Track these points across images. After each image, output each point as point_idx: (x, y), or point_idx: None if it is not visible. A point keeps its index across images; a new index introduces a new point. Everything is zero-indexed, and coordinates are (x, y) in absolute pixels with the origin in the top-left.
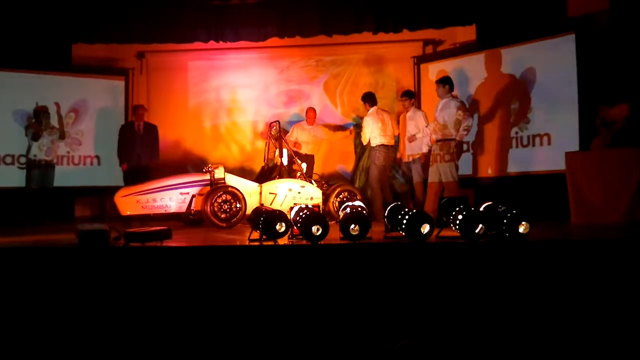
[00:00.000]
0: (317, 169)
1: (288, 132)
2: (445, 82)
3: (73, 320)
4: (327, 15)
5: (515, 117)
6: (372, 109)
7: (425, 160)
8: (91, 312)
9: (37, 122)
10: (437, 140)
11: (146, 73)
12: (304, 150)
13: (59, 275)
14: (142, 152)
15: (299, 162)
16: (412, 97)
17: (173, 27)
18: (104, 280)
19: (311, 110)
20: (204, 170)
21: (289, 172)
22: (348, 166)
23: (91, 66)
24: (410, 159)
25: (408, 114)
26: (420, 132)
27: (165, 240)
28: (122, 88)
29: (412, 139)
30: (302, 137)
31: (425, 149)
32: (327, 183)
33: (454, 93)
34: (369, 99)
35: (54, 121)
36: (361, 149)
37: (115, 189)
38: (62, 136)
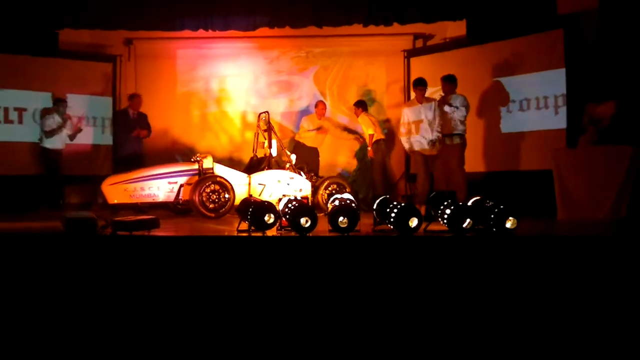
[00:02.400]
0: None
1: (277, 122)
2: (452, 80)
3: (59, 308)
4: (318, 6)
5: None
6: (364, 112)
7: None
8: (77, 300)
9: (58, 114)
10: (445, 135)
11: (134, 60)
12: (309, 143)
13: (45, 263)
14: (136, 140)
15: (288, 153)
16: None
17: (161, 14)
18: (90, 268)
19: (321, 104)
20: (193, 160)
21: (278, 163)
22: (344, 162)
23: (78, 52)
24: (429, 146)
25: (423, 104)
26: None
27: (152, 229)
28: (110, 75)
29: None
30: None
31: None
32: (316, 175)
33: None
34: (362, 104)
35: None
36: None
37: (104, 177)
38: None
